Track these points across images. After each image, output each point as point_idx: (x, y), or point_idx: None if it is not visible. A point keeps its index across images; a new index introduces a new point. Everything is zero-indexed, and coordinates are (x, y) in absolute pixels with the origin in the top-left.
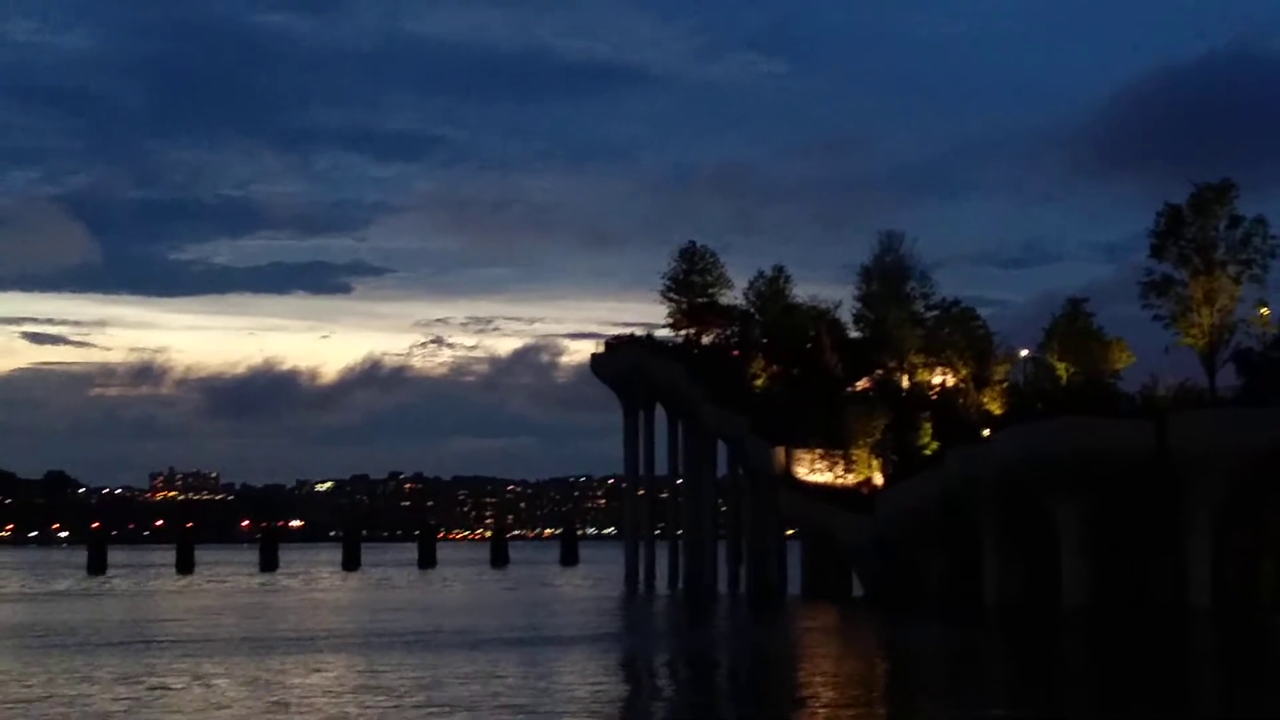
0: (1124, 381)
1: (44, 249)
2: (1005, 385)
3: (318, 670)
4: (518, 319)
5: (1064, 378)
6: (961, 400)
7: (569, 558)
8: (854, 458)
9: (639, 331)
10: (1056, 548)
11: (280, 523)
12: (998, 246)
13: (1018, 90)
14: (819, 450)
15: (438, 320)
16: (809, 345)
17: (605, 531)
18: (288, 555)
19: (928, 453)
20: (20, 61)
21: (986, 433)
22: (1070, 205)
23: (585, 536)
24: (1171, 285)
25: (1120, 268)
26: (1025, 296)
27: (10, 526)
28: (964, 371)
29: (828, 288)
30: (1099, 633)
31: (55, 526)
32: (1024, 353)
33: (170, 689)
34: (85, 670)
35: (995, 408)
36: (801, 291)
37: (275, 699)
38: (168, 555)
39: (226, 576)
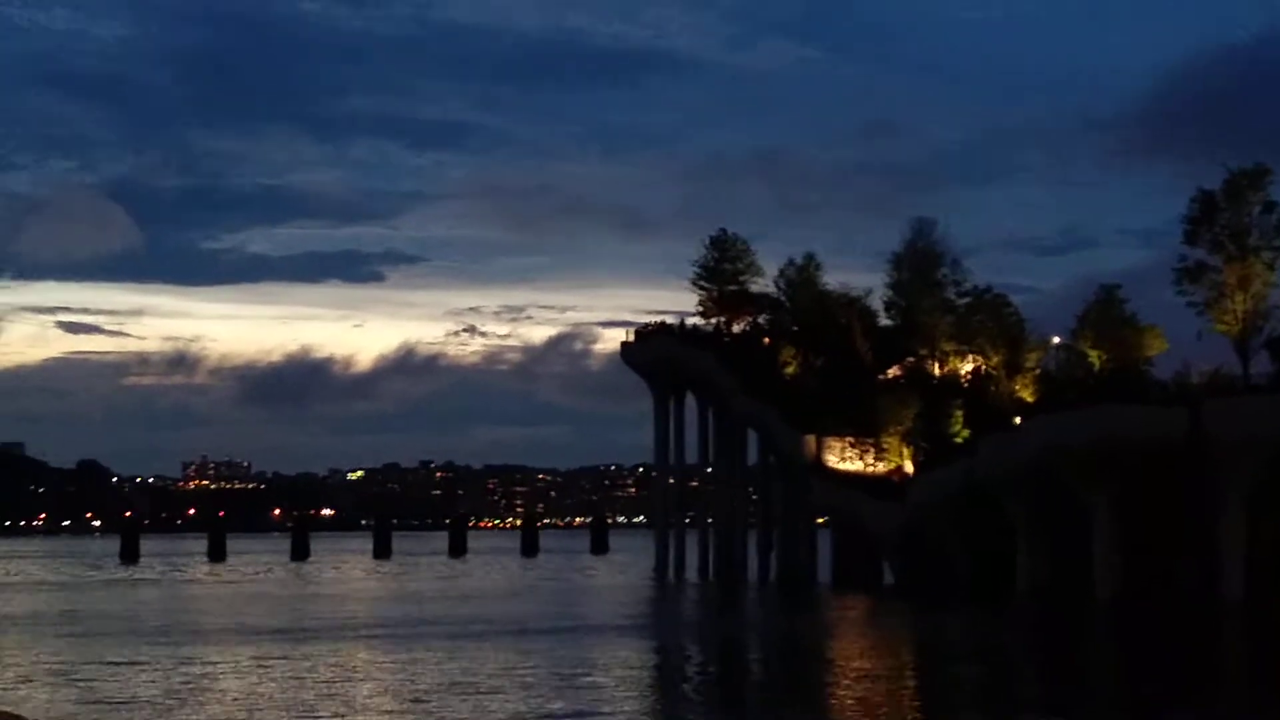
0: (1157, 369)
1: (80, 237)
2: (1037, 372)
3: (360, 659)
4: (551, 307)
5: (1096, 365)
6: (993, 388)
7: (599, 546)
8: (885, 446)
9: (671, 319)
10: (1088, 537)
11: (312, 511)
12: (1035, 232)
13: (1055, 75)
14: (850, 438)
15: (471, 309)
16: (840, 333)
17: (635, 520)
18: (319, 544)
19: (959, 440)
20: (58, 50)
21: (1018, 420)
22: (1108, 191)
23: (615, 525)
24: (1205, 271)
25: (1158, 254)
26: (1062, 283)
27: (43, 515)
28: (995, 359)
29: (864, 275)
30: (1129, 624)
31: (88, 515)
32: (1056, 340)
33: (216, 678)
34: (130, 659)
35: (1027, 395)
36: (837, 278)
37: (321, 688)
38: (200, 544)
39: (259, 565)
